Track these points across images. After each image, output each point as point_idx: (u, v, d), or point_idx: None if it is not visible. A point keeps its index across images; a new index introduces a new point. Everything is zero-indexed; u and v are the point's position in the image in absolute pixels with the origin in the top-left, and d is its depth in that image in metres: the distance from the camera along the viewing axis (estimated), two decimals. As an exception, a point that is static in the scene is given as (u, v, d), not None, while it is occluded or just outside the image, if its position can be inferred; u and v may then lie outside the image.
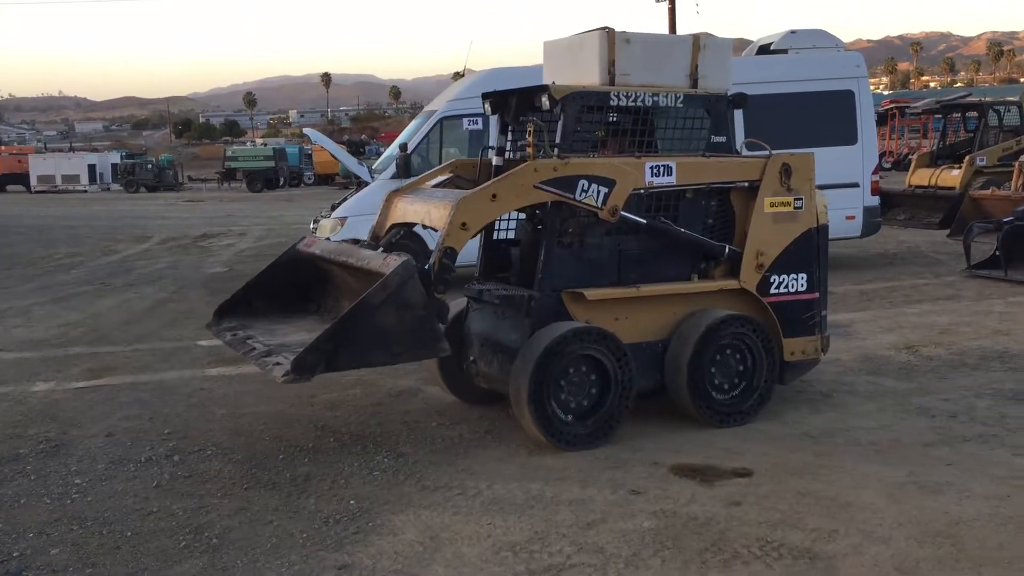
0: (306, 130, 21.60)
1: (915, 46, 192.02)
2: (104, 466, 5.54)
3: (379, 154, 31.14)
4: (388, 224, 6.34)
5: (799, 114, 12.02)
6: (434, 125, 12.19)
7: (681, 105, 6.11)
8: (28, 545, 4.44)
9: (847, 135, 12.59)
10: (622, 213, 5.79)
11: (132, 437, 6.09)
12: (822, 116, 12.34)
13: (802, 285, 6.30)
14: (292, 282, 6.36)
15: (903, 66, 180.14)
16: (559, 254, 5.80)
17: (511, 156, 6.48)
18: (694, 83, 6.20)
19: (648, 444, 5.65)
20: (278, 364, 5.10)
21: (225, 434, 6.12)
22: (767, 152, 6.24)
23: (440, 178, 6.65)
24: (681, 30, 33.77)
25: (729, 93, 6.33)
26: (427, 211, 5.84)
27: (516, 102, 6.30)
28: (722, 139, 6.26)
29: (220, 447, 5.85)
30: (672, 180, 5.95)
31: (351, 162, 13.64)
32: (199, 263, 16.08)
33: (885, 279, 12.11)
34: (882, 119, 32.58)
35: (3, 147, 67.94)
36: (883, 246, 15.33)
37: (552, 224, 5.76)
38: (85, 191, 50.50)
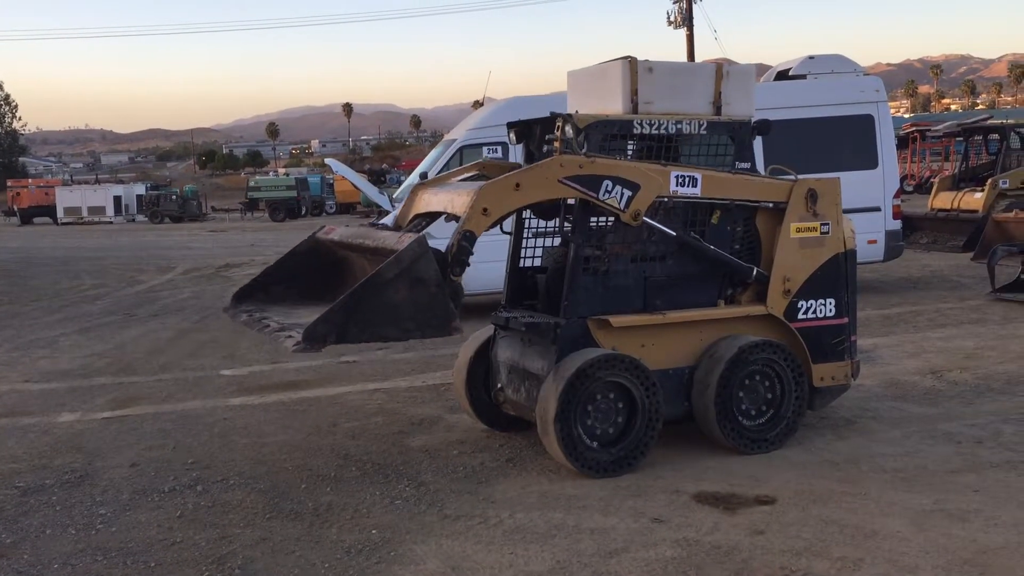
0: (327, 160, 21.84)
1: (935, 69, 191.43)
2: (128, 496, 5.58)
3: (400, 183, 31.37)
4: (411, 215, 6.35)
5: (818, 139, 12.01)
6: (454, 153, 12.28)
7: (705, 132, 6.14)
8: (53, 576, 4.47)
9: (867, 159, 12.55)
10: (648, 220, 5.78)
11: (156, 467, 6.13)
12: (842, 141, 12.32)
13: (830, 310, 6.28)
14: (311, 269, 6.36)
15: (924, 89, 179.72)
16: (585, 281, 5.81)
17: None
18: (717, 110, 6.22)
19: (669, 472, 5.62)
20: (290, 337, 5.09)
21: (248, 463, 6.15)
22: (793, 177, 6.26)
23: (466, 175, 6.68)
24: (700, 56, 33.95)
25: (753, 120, 6.36)
26: (450, 200, 5.85)
27: (540, 131, 6.35)
28: (746, 165, 6.28)
29: (243, 476, 5.87)
30: (697, 192, 5.94)
31: (372, 191, 13.75)
32: (222, 292, 16.20)
33: (909, 303, 12.03)
34: (903, 142, 32.46)
35: (31, 180, 68.90)
36: (906, 270, 15.24)
37: (578, 250, 5.78)
38: (111, 222, 51.10)
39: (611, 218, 5.95)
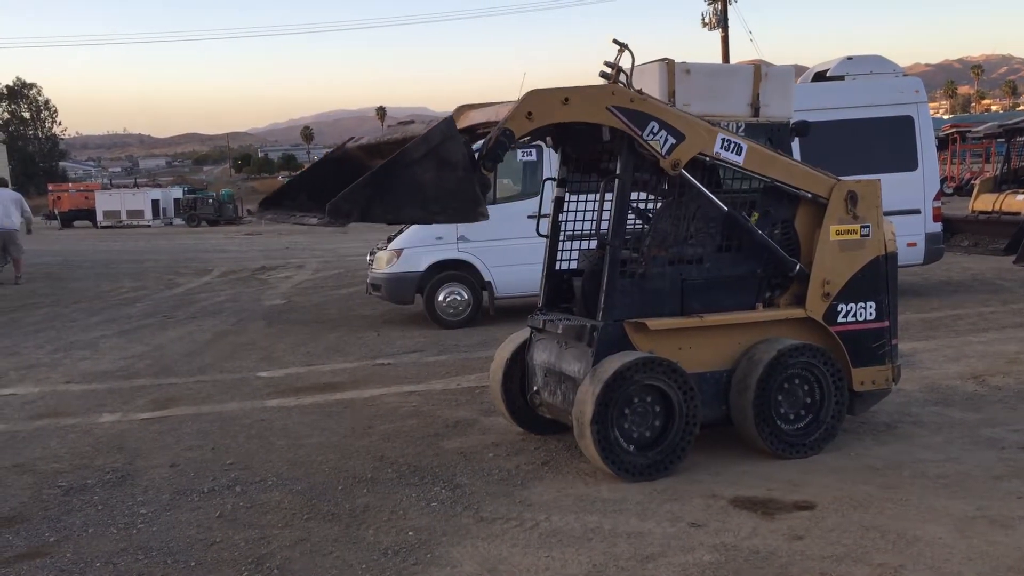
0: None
1: (976, 69, 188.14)
2: (169, 496, 5.65)
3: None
4: None
5: (858, 141, 11.88)
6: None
7: (743, 134, 6.11)
8: (96, 575, 4.53)
9: (907, 161, 12.39)
10: (689, 175, 5.73)
11: (195, 468, 6.20)
12: (881, 142, 12.18)
13: (871, 314, 6.22)
14: (338, 179, 6.15)
15: (963, 90, 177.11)
16: (621, 284, 5.79)
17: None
18: (756, 112, 6.20)
19: (706, 476, 5.58)
20: (314, 217, 5.04)
21: (285, 465, 6.20)
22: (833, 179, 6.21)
23: None
24: (734, 58, 33.75)
25: (791, 121, 6.29)
26: (496, 111, 5.76)
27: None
28: None
29: (281, 478, 5.92)
30: (740, 160, 5.87)
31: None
32: (258, 296, 16.36)
33: (949, 307, 11.85)
34: (943, 144, 32.03)
35: (71, 184, 70.03)
36: (946, 273, 15.02)
37: (614, 253, 5.76)
38: (149, 226, 51.80)
39: (652, 203, 5.81)
